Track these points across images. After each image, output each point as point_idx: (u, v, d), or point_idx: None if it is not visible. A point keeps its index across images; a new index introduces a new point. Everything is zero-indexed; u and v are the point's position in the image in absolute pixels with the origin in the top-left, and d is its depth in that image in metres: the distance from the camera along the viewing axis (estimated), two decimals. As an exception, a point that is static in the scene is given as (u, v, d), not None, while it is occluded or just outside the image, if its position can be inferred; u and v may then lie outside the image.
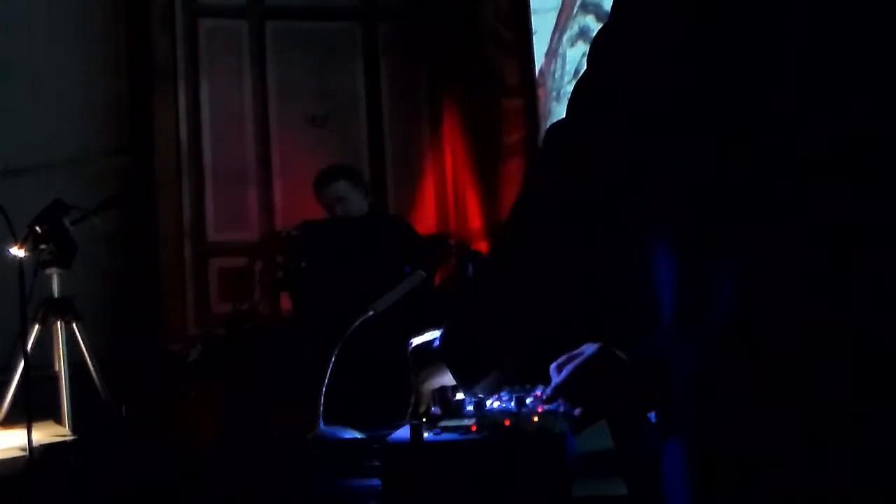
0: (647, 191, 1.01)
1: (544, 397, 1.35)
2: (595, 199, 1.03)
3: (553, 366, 1.41)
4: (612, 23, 1.04)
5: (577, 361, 1.38)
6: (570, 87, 4.20)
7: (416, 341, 1.30)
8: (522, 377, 1.49)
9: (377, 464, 1.26)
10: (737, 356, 0.94)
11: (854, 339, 0.89)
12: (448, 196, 5.86)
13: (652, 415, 1.38)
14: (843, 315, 0.90)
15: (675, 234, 1.02)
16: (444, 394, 1.31)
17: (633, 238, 1.07)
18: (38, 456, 2.32)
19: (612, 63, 1.03)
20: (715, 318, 0.95)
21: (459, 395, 1.38)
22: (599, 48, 1.05)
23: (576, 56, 4.43)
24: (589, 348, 1.40)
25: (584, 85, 1.07)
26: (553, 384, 1.37)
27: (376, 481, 1.26)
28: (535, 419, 1.25)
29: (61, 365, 3.24)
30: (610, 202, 1.03)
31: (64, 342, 3.26)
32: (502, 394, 1.43)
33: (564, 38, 4.58)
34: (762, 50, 0.94)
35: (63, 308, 3.28)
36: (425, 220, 5.67)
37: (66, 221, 3.28)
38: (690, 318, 0.98)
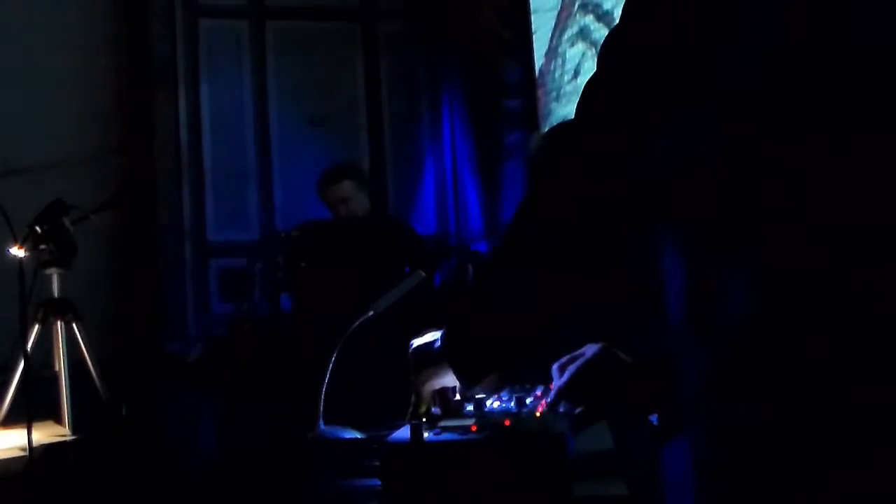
0: (657, 196, 1.00)
1: (547, 400, 1.35)
2: (605, 205, 1.02)
3: (555, 366, 1.42)
4: (623, 24, 1.03)
5: (579, 362, 1.39)
6: (570, 87, 4.17)
7: (417, 342, 1.30)
8: (523, 377, 1.49)
9: (377, 464, 1.26)
10: (750, 362, 0.92)
11: (872, 343, 0.88)
12: (448, 196, 5.87)
13: (654, 417, 1.39)
14: (860, 322, 0.88)
15: (685, 239, 1.00)
16: (444, 394, 1.31)
17: (641, 242, 1.06)
18: (38, 456, 2.31)
19: (623, 65, 1.02)
20: (727, 324, 0.93)
21: (459, 396, 1.38)
22: (609, 50, 1.04)
23: (576, 56, 4.43)
24: (591, 349, 1.40)
25: (594, 86, 1.06)
26: (556, 387, 1.37)
27: (376, 481, 1.26)
28: (535, 419, 1.26)
29: (61, 365, 3.24)
30: (620, 208, 1.02)
31: (64, 342, 3.26)
32: (502, 394, 1.43)
33: (564, 38, 4.58)
34: (773, 50, 0.93)
35: (63, 308, 3.28)
36: (425, 220, 5.68)
37: (66, 221, 3.28)
38: (701, 323, 0.97)
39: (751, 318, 0.92)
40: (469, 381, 1.22)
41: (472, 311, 1.19)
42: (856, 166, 0.90)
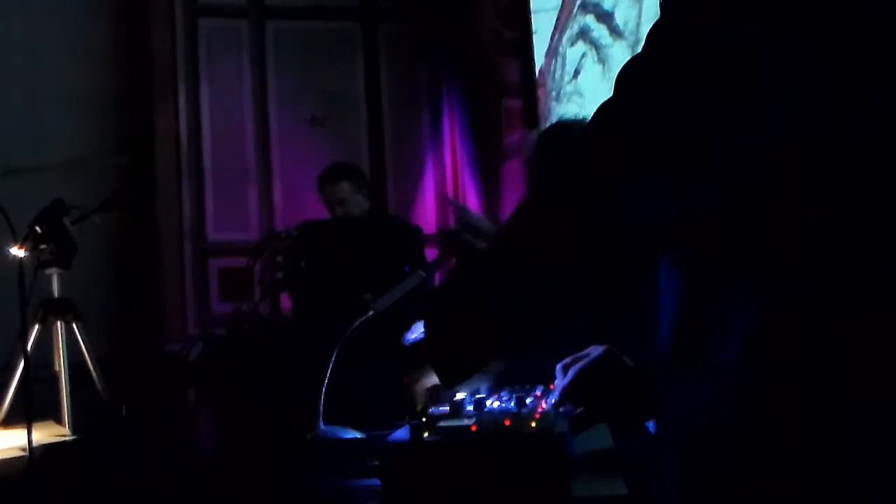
0: (663, 222, 0.99)
1: (551, 400, 1.35)
2: (611, 227, 1.00)
3: (559, 366, 1.42)
4: (646, 53, 1.01)
5: (582, 362, 1.39)
6: (570, 87, 4.17)
7: (411, 337, 1.30)
8: (522, 377, 1.49)
9: (377, 464, 1.26)
10: (736, 409, 0.91)
11: (871, 399, 0.86)
12: (448, 196, 5.86)
13: (650, 424, 1.39)
14: (845, 369, 0.86)
15: (683, 268, 0.99)
16: (439, 392, 1.31)
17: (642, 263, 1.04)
18: (38, 456, 2.31)
19: (641, 95, 1.00)
20: (717, 363, 0.92)
21: (460, 395, 1.38)
22: (630, 76, 1.02)
23: (576, 56, 4.43)
24: (595, 350, 1.40)
25: (610, 111, 1.03)
26: (559, 388, 1.37)
27: (376, 481, 1.26)
28: (535, 419, 1.25)
29: (61, 365, 3.23)
30: (625, 230, 1.00)
31: (64, 342, 3.26)
32: (502, 394, 1.43)
33: (564, 38, 4.58)
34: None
35: (63, 308, 3.28)
36: (425, 220, 5.67)
37: (66, 221, 3.28)
38: (690, 357, 0.96)
39: (742, 363, 0.90)
40: (449, 381, 1.21)
41: (454, 310, 1.17)
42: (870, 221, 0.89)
